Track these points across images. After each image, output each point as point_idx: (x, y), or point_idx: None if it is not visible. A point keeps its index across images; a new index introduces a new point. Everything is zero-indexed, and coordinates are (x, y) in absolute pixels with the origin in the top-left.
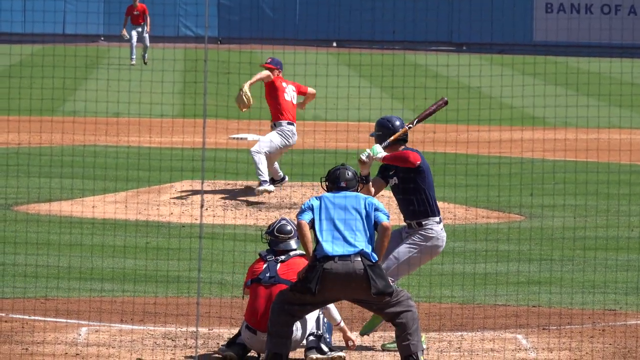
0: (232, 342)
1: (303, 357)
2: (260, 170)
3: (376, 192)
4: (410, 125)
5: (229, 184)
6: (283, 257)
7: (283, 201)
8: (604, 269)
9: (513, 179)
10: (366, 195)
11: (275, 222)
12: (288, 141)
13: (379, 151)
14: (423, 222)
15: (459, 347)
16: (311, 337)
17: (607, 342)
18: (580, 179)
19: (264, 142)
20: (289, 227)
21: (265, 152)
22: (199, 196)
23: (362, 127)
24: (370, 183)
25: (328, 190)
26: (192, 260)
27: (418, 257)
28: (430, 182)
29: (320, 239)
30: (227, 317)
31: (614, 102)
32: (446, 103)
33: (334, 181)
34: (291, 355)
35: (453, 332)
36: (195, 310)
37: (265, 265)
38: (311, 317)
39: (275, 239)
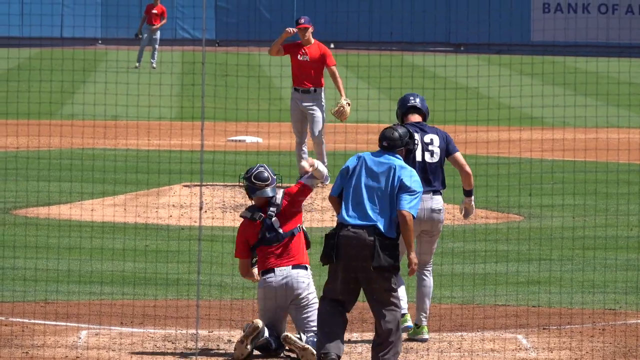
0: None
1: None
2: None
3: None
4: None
5: (227, 186)
6: (273, 210)
7: None
8: (603, 268)
9: (512, 179)
10: (403, 165)
11: (253, 167)
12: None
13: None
14: None
15: (459, 348)
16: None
17: (607, 341)
18: (579, 178)
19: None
20: (265, 174)
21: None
22: (197, 199)
23: (360, 129)
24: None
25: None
26: (192, 263)
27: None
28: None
29: (343, 205)
30: (227, 319)
31: (611, 101)
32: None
33: (380, 139)
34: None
35: (453, 333)
36: (195, 312)
37: (262, 228)
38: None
39: (252, 186)
